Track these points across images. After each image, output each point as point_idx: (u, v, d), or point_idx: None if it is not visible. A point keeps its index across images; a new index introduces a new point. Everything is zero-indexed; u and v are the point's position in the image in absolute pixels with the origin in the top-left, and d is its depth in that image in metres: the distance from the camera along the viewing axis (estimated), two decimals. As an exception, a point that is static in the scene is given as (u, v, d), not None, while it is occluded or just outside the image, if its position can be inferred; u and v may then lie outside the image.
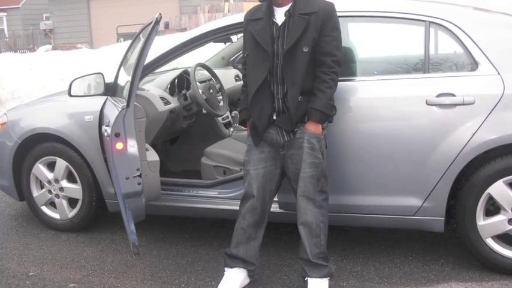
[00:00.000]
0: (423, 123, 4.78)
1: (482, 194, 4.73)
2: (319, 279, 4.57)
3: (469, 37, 4.78)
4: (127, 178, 4.85)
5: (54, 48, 32.26)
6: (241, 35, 5.22)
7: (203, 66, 7.04)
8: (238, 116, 5.05)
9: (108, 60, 14.66)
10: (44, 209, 6.28)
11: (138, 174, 4.89)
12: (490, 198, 4.74)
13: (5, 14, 44.73)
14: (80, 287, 5.01)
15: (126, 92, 4.97)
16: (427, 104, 4.73)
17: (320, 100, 4.38)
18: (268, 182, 4.66)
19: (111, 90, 5.59)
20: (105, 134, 5.05)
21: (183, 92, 6.65)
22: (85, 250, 5.75)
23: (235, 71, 8.21)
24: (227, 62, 8.24)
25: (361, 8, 5.22)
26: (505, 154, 4.65)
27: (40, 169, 6.13)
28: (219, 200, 5.55)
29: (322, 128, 4.51)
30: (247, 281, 4.83)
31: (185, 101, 6.57)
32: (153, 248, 5.72)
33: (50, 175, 6.10)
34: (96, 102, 5.68)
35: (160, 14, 4.90)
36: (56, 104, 6.37)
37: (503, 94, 4.59)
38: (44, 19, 42.91)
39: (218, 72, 7.22)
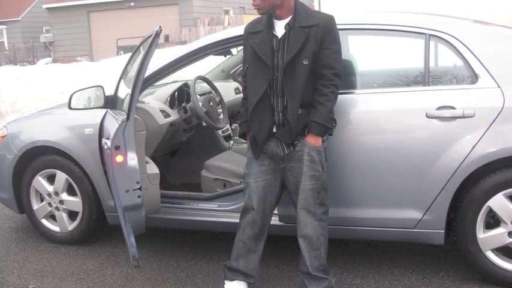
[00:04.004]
0: (423, 136, 4.78)
1: (482, 206, 4.73)
2: (319, 292, 4.56)
3: (469, 50, 4.78)
4: (127, 191, 4.85)
5: (54, 61, 32.35)
6: (241, 47, 5.23)
7: (203, 79, 7.04)
8: (238, 128, 5.05)
9: (108, 73, 14.66)
10: (44, 221, 6.27)
11: (138, 187, 4.89)
12: (490, 211, 4.74)
13: (5, 26, 44.89)
14: (79, 300, 5.02)
15: (126, 105, 4.97)
16: (427, 116, 4.73)
17: (320, 113, 4.39)
18: (268, 195, 4.66)
19: (111, 103, 5.60)
20: (105, 147, 5.06)
21: (183, 104, 6.65)
22: (85, 263, 5.74)
23: (235, 84, 8.21)
24: (227, 75, 8.24)
25: (361, 21, 5.24)
26: (505, 167, 4.65)
27: (40, 182, 6.12)
28: (219, 212, 5.54)
29: (322, 141, 4.51)
30: (247, 294, 4.83)
31: (185, 113, 6.57)
32: (153, 260, 5.71)
33: (50, 188, 6.10)
34: (96, 115, 5.69)
35: (160, 26, 4.91)
36: (56, 116, 6.37)
37: (503, 107, 4.60)
38: (44, 32, 43.10)
39: (218, 85, 7.22)
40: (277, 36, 4.50)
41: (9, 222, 7.08)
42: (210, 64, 8.45)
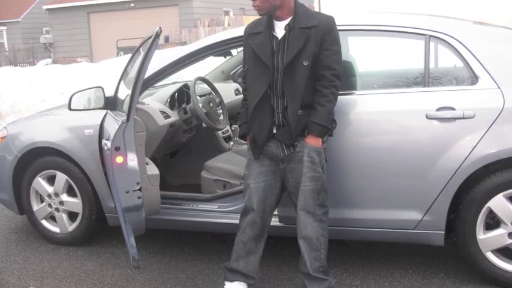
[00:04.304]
0: (423, 137, 4.78)
1: (482, 207, 4.73)
2: (319, 293, 4.56)
3: (469, 51, 4.78)
4: (127, 192, 4.85)
5: (54, 62, 32.37)
6: (241, 48, 5.23)
7: (203, 80, 7.04)
8: (238, 129, 5.05)
9: (108, 74, 14.68)
10: (44, 222, 6.27)
11: (138, 188, 4.89)
12: (490, 212, 4.74)
13: (5, 27, 44.89)
14: (79, 301, 5.02)
15: (126, 106, 4.97)
16: (427, 117, 4.73)
17: (320, 114, 4.39)
18: (268, 196, 4.66)
19: (111, 104, 5.59)
20: (105, 148, 5.05)
21: (183, 105, 6.65)
22: (85, 264, 5.74)
23: (235, 85, 8.22)
24: (227, 76, 8.25)
25: (361, 22, 5.24)
26: (505, 168, 4.65)
27: (40, 183, 6.12)
28: (219, 213, 5.54)
29: (322, 142, 4.51)
30: (247, 295, 4.82)
31: (185, 114, 6.57)
32: (153, 262, 5.71)
33: (50, 189, 6.10)
34: (96, 116, 5.69)
35: (160, 27, 4.91)
36: (56, 117, 6.37)
37: (503, 108, 4.60)
38: (44, 33, 43.11)
39: (218, 86, 7.22)
40: (277, 37, 4.50)
41: (9, 223, 7.08)
42: (210, 65, 8.46)
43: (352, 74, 5.25)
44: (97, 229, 6.16)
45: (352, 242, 5.84)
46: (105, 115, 5.61)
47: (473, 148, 4.63)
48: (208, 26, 34.86)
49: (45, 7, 41.61)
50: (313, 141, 4.45)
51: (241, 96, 5.88)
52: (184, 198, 5.86)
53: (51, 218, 6.26)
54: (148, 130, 5.64)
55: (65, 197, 6.06)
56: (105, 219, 5.98)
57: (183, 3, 36.87)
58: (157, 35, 4.83)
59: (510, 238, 4.71)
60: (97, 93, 5.64)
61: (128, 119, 4.83)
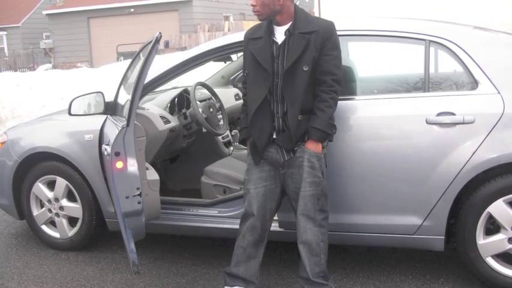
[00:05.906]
0: (423, 142, 4.78)
1: (482, 213, 4.73)
2: (319, 298, 4.55)
3: (469, 56, 4.79)
4: (127, 197, 4.84)
5: (54, 67, 32.32)
6: (241, 53, 5.23)
7: (203, 85, 7.04)
8: (238, 134, 5.05)
9: (108, 79, 14.65)
10: (44, 227, 6.27)
11: (138, 193, 4.88)
12: (490, 217, 4.73)
13: (5, 33, 44.88)
14: (79, 306, 5.01)
15: (126, 111, 4.97)
16: (427, 122, 4.73)
17: (320, 119, 4.39)
18: (268, 201, 4.65)
19: (111, 109, 5.59)
20: (105, 153, 5.05)
21: (183, 110, 6.65)
22: (85, 269, 5.73)
23: (235, 90, 8.22)
24: (227, 81, 8.25)
25: (361, 27, 5.24)
26: (505, 173, 4.65)
27: (40, 188, 6.12)
28: (219, 218, 5.54)
29: (322, 147, 4.51)
30: (247, 300, 4.82)
31: (185, 119, 6.57)
32: (153, 267, 5.70)
33: (50, 194, 6.10)
34: (96, 121, 5.69)
35: (160, 33, 4.91)
36: (56, 122, 6.38)
37: (503, 113, 4.60)
38: (44, 38, 43.11)
39: (218, 91, 7.22)
40: (277, 43, 4.50)
41: (9, 228, 7.07)
42: (210, 70, 8.45)
43: (352, 79, 5.26)
44: (97, 234, 6.16)
45: (352, 247, 5.83)
46: (105, 120, 5.62)
47: (473, 153, 4.63)
48: (208, 31, 34.88)
49: (45, 12, 41.63)
50: (313, 147, 4.45)
51: (241, 101, 5.87)
52: (184, 203, 5.86)
53: (51, 223, 6.26)
54: (149, 135, 5.64)
55: (65, 202, 6.06)
56: (105, 224, 5.98)
57: (183, 8, 36.90)
58: (157, 40, 4.83)
59: (510, 243, 4.71)
60: (97, 98, 5.63)
61: (128, 124, 4.83)
